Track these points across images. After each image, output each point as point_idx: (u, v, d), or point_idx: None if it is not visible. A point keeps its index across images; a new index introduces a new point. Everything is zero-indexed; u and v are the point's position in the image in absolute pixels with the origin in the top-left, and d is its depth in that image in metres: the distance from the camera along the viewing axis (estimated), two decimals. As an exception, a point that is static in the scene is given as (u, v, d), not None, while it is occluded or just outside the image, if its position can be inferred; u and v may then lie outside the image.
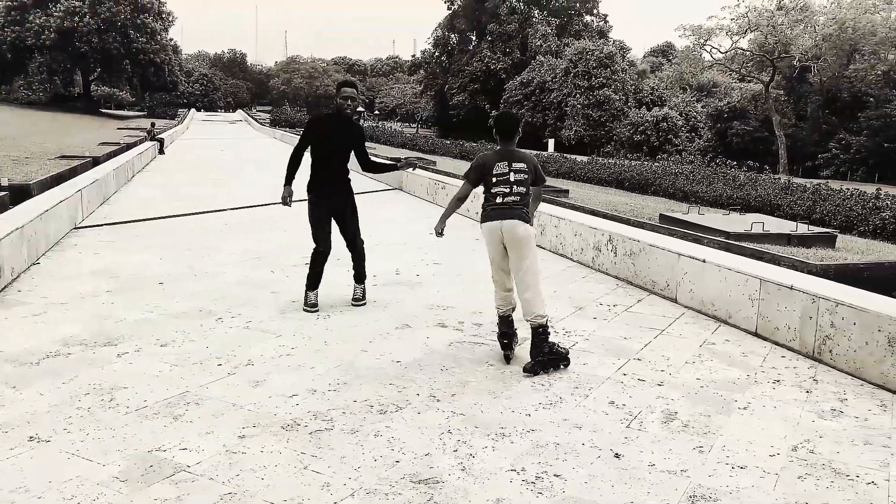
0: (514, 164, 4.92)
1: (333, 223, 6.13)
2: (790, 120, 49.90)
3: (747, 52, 51.89)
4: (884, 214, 15.20)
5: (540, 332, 4.76)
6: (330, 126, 5.98)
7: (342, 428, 3.79)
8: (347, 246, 6.22)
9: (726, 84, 59.84)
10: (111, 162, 17.24)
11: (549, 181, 22.27)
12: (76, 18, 59.71)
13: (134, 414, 3.91)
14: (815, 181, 23.61)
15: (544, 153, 36.46)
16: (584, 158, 32.96)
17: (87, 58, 63.86)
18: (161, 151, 27.16)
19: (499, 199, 4.89)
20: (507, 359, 4.95)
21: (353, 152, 6.14)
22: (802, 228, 10.64)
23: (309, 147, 6.01)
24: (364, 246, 6.30)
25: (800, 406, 4.30)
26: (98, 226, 10.27)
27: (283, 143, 39.68)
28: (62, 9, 59.62)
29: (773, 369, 4.95)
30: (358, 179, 6.17)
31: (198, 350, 4.98)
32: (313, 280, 6.10)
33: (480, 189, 5.20)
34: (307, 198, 6.07)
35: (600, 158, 34.67)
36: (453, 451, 3.56)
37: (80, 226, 10.11)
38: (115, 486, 3.15)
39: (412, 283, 7.22)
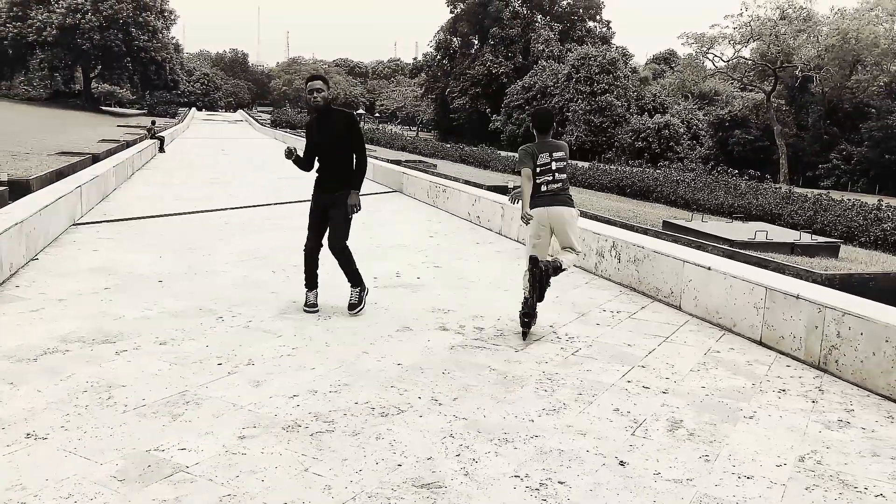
0: (554, 154, 5.60)
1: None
2: (791, 129, 49.91)
3: (749, 61, 51.91)
4: (885, 226, 15.17)
5: (558, 267, 5.60)
6: (312, 124, 5.99)
7: (343, 430, 3.74)
8: (329, 247, 5.93)
9: (728, 92, 59.87)
10: (111, 159, 17.19)
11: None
12: (78, 15, 59.73)
13: (132, 413, 3.85)
14: (816, 191, 23.60)
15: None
16: (585, 164, 32.92)
17: (89, 55, 63.87)
18: (161, 150, 27.11)
19: (543, 188, 5.58)
20: (525, 336, 5.49)
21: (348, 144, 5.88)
22: (806, 238, 10.60)
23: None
24: (345, 251, 5.92)
25: (806, 416, 4.25)
26: (97, 222, 10.21)
27: (283, 144, 39.64)
28: (64, 5, 59.65)
29: (778, 378, 4.90)
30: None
31: (197, 349, 4.93)
32: (308, 278, 6.03)
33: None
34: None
35: (601, 164, 34.64)
36: (456, 456, 3.51)
37: (79, 222, 10.05)
38: (113, 486, 3.09)
39: (413, 285, 7.17)
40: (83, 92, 71.34)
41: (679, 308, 6.62)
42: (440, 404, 4.15)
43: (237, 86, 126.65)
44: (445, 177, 17.70)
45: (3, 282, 6.43)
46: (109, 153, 19.68)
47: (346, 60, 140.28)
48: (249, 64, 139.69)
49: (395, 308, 6.21)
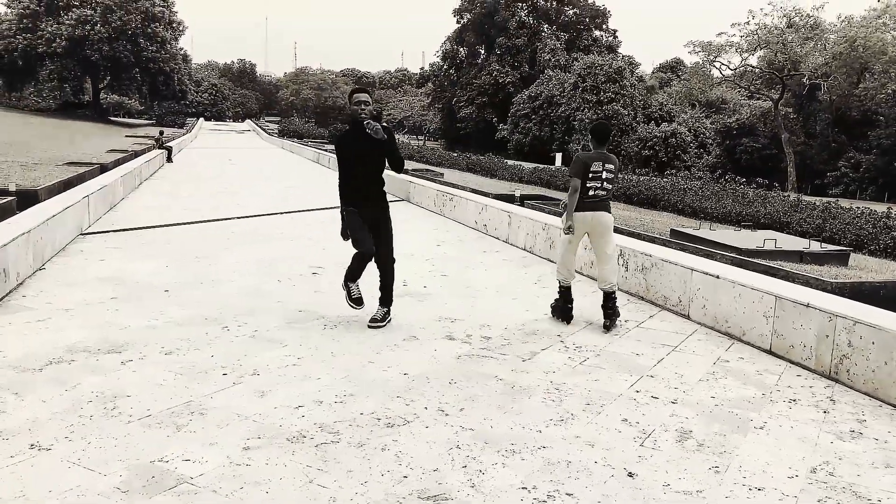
0: (606, 165, 6.07)
1: None
2: (799, 137, 49.77)
3: (757, 69, 51.83)
4: (895, 234, 15.06)
5: (612, 296, 6.07)
6: (353, 139, 5.77)
7: (349, 441, 3.71)
8: (378, 261, 5.91)
9: (735, 101, 59.80)
10: (119, 169, 17.25)
11: (558, 194, 22.19)
12: (87, 27, 60.17)
13: (137, 423, 3.83)
14: (825, 199, 23.48)
15: (552, 167, 36.36)
16: (592, 173, 32.87)
17: (98, 66, 64.30)
18: (169, 160, 27.21)
19: (591, 193, 6.06)
20: (569, 321, 6.22)
21: (385, 158, 5.86)
22: (815, 246, 10.53)
23: (343, 166, 5.86)
24: (394, 261, 6.00)
25: (817, 427, 4.19)
26: (104, 232, 10.23)
27: (291, 154, 39.76)
28: (73, 17, 60.11)
29: (788, 388, 4.85)
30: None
31: (203, 359, 4.91)
32: (356, 273, 5.83)
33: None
34: (342, 212, 5.89)
35: (608, 173, 34.57)
36: (462, 468, 3.47)
37: (86, 232, 10.07)
38: (116, 497, 3.07)
39: (420, 294, 7.14)
40: (92, 103, 71.78)
41: (687, 317, 6.57)
42: (447, 415, 4.12)
43: (245, 96, 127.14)
44: (452, 185, 17.69)
45: (11, 291, 6.44)
46: (117, 163, 19.77)
47: (353, 70, 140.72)
48: (257, 74, 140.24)
49: (401, 317, 6.17)
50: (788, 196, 24.46)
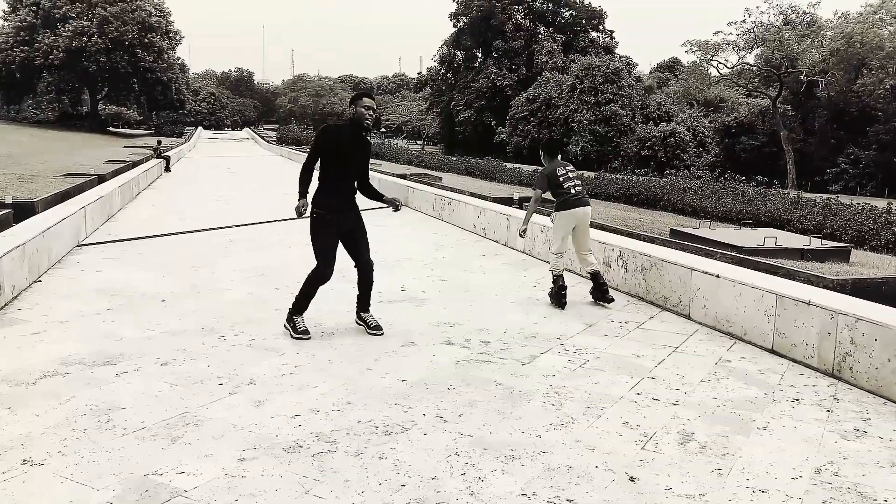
0: (568, 168, 7.07)
1: (340, 246, 5.76)
2: (798, 134, 49.70)
3: (754, 68, 51.79)
4: (896, 229, 15.02)
5: (599, 276, 6.92)
6: (347, 137, 5.61)
7: (346, 450, 3.66)
8: (359, 267, 5.78)
9: (733, 99, 59.77)
10: (116, 179, 17.22)
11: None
12: (84, 38, 60.19)
13: (131, 436, 3.78)
14: (825, 196, 23.42)
15: (551, 169, 36.43)
16: (592, 174, 32.83)
17: (95, 77, 64.31)
18: (167, 169, 27.19)
19: (573, 191, 6.87)
20: (564, 306, 6.79)
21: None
22: (816, 243, 10.47)
23: (319, 160, 5.63)
24: (373, 266, 5.88)
25: (821, 426, 4.14)
26: (102, 243, 10.19)
27: (289, 161, 39.75)
28: (70, 29, 60.13)
29: (791, 387, 4.79)
30: (361, 195, 5.97)
31: (199, 369, 4.86)
32: (303, 304, 5.71)
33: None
34: (313, 213, 5.66)
35: (608, 174, 34.54)
36: (461, 475, 3.42)
37: (83, 243, 10.03)
38: (109, 513, 3.02)
39: (418, 299, 7.09)
40: (90, 114, 71.80)
41: (688, 317, 6.52)
42: (445, 421, 4.06)
43: (243, 104, 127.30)
44: (451, 189, 17.64)
45: (6, 304, 6.39)
46: (115, 174, 19.72)
47: (350, 76, 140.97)
48: (255, 82, 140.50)
49: (399, 323, 6.12)
50: (788, 193, 24.41)
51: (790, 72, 48.01)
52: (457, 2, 72.25)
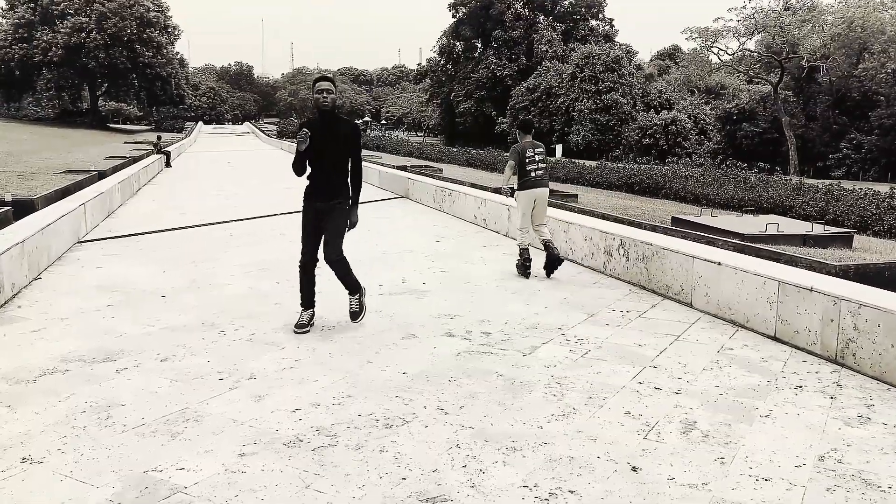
0: (537, 150, 7.91)
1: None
2: (800, 120, 49.52)
3: (755, 54, 51.55)
4: (899, 214, 14.94)
5: (550, 244, 7.75)
6: (316, 126, 5.56)
7: (346, 444, 3.64)
8: (324, 258, 5.67)
9: (734, 86, 59.51)
10: (116, 175, 17.20)
11: (557, 186, 22.08)
12: (83, 34, 60.09)
13: (131, 432, 3.76)
14: (827, 181, 23.34)
15: (552, 159, 36.20)
16: (593, 163, 32.74)
17: (95, 73, 64.23)
18: (168, 164, 27.16)
19: (532, 174, 7.82)
20: (528, 275, 7.74)
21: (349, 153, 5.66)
22: (818, 229, 10.43)
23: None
24: (342, 260, 5.66)
25: (824, 413, 4.11)
26: (101, 239, 10.17)
27: (290, 155, 39.67)
28: (69, 25, 60.02)
29: (794, 374, 4.77)
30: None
31: (199, 364, 4.84)
32: (306, 297, 5.72)
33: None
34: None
35: (609, 163, 34.44)
36: (462, 467, 3.40)
37: (83, 240, 10.02)
38: (108, 510, 3.00)
39: (419, 291, 7.06)
40: (90, 110, 71.75)
41: (690, 305, 6.49)
42: (446, 413, 4.05)
43: (243, 98, 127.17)
44: (451, 181, 17.60)
45: (6, 302, 6.38)
46: (115, 170, 19.71)
47: (350, 69, 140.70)
48: (255, 76, 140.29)
49: (400, 315, 6.10)
50: (790, 179, 24.32)
51: (791, 57, 47.79)
52: (455, -8, 72.01)
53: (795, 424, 3.95)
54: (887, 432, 3.86)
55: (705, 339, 5.56)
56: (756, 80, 54.64)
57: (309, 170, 5.68)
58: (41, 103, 70.56)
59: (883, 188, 19.42)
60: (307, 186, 5.72)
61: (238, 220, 12.33)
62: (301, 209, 5.77)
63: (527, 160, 7.78)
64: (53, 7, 60.90)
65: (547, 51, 64.95)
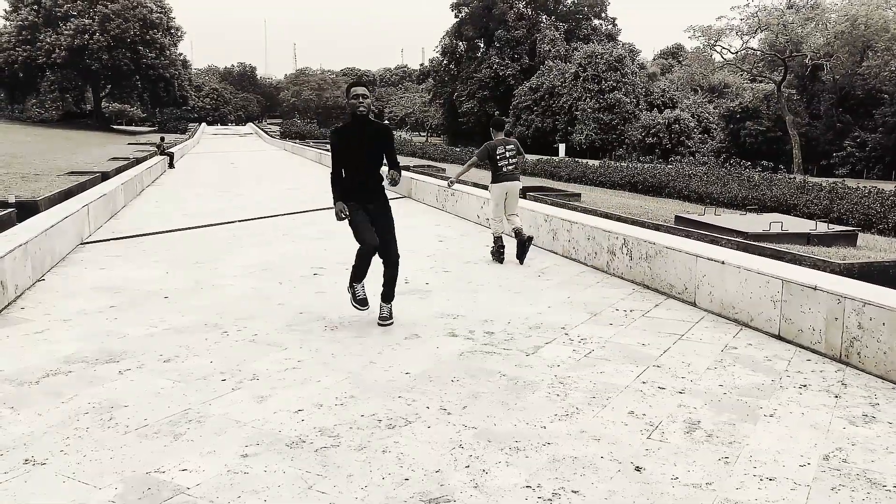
0: (507, 147, 8.55)
1: None
2: (803, 119, 49.42)
3: (758, 52, 51.49)
4: (903, 211, 14.91)
5: (521, 232, 8.36)
6: (353, 133, 5.64)
7: (349, 444, 3.63)
8: (382, 256, 5.77)
9: (738, 84, 59.41)
10: (120, 177, 17.23)
11: (561, 185, 22.05)
12: (86, 36, 60.26)
13: (133, 433, 3.76)
14: (831, 180, 23.30)
15: (555, 158, 36.19)
16: (596, 162, 32.72)
17: (98, 75, 64.42)
18: (171, 165, 27.21)
19: (504, 169, 8.52)
20: (501, 261, 8.45)
21: (384, 155, 5.78)
22: (822, 227, 10.40)
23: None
24: (399, 257, 5.85)
25: (829, 412, 4.09)
26: (105, 240, 10.19)
27: (293, 155, 39.74)
28: (72, 27, 60.20)
29: (798, 373, 4.75)
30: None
31: (202, 365, 4.84)
32: (360, 273, 5.72)
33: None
34: (337, 201, 5.65)
35: (612, 162, 34.41)
36: (465, 468, 3.39)
37: (87, 241, 10.03)
38: (111, 512, 3.00)
39: (421, 291, 7.06)
40: (94, 112, 71.96)
41: (694, 304, 6.47)
42: (449, 413, 4.03)
43: (246, 99, 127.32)
44: (454, 181, 17.57)
45: (9, 304, 6.39)
46: (119, 171, 19.74)
47: (353, 69, 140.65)
48: (258, 77, 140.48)
49: (403, 315, 6.09)
50: (794, 178, 24.27)
51: (794, 56, 47.71)
52: (458, -8, 72.07)
53: (800, 424, 3.93)
54: (892, 431, 3.84)
55: (709, 338, 5.54)
56: (759, 79, 54.55)
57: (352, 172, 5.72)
58: (45, 105, 70.71)
59: (887, 186, 19.38)
60: (343, 190, 5.68)
61: (241, 221, 12.34)
62: (335, 209, 5.65)
63: (498, 156, 8.46)
64: (57, 9, 61.08)
65: (550, 50, 64.92)
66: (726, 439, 3.72)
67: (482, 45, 72.43)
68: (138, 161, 24.69)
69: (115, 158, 25.99)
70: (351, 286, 5.81)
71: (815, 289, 5.16)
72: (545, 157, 35.02)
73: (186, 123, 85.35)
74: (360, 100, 5.59)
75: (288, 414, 4.01)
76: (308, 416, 3.99)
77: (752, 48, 51.48)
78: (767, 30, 48.27)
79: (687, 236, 8.42)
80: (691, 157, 37.14)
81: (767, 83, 52.28)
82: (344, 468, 3.38)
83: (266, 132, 74.08)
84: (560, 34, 67.07)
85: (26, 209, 10.44)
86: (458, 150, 42.73)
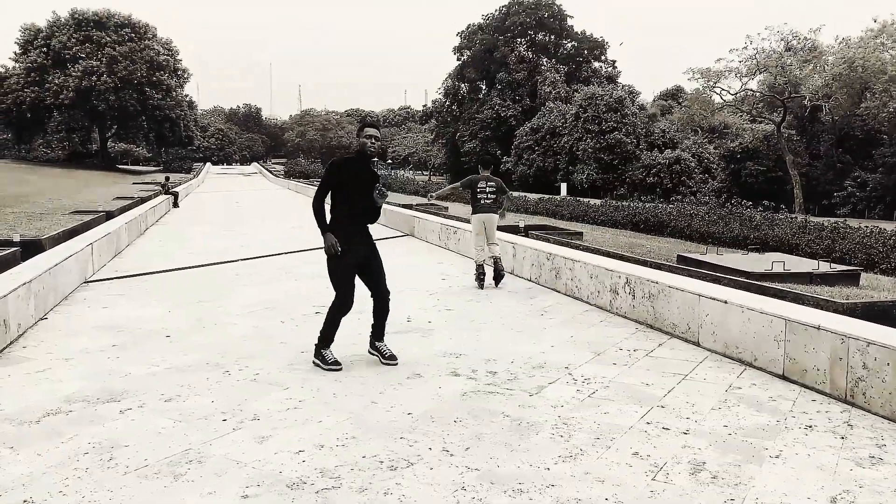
0: (489, 184, 9.70)
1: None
2: (804, 159, 49.68)
3: (757, 94, 51.96)
4: (906, 251, 14.88)
5: (498, 261, 9.55)
6: (355, 168, 5.68)
7: (350, 486, 3.59)
8: (374, 295, 5.82)
9: (738, 125, 59.85)
10: (124, 216, 17.32)
11: (563, 224, 22.10)
12: (94, 77, 61.09)
13: (133, 474, 3.73)
14: (833, 219, 23.31)
15: (557, 197, 36.30)
16: (598, 201, 32.82)
17: (105, 115, 65.14)
18: (175, 205, 27.36)
19: (482, 201, 9.63)
20: (482, 286, 9.45)
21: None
22: (825, 267, 10.38)
23: (330, 192, 5.70)
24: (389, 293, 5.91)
25: (835, 453, 4.05)
26: (108, 279, 10.20)
27: (297, 195, 39.97)
28: (80, 69, 61.05)
29: (804, 414, 4.71)
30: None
31: (203, 405, 4.81)
32: (329, 335, 5.75)
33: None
34: (326, 233, 5.66)
35: (614, 201, 34.53)
36: (468, 510, 3.35)
37: (90, 279, 10.05)
38: (109, 554, 2.96)
39: (424, 329, 7.04)
40: (100, 151, 72.61)
41: (697, 344, 6.44)
42: (451, 455, 4.00)
43: (251, 139, 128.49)
44: (456, 219, 17.65)
45: (11, 342, 6.38)
46: (123, 210, 19.85)
47: (357, 110, 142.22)
48: (263, 117, 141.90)
49: (405, 354, 6.07)
50: (796, 218, 24.31)
51: (793, 97, 48.14)
52: (460, 36, 73.17)
53: (806, 465, 3.89)
54: (900, 473, 3.79)
55: (713, 378, 5.51)
56: (759, 120, 54.96)
57: (331, 209, 5.75)
58: (51, 145, 71.41)
59: (889, 226, 19.40)
60: (339, 230, 5.67)
61: (244, 260, 12.37)
62: (326, 250, 5.68)
63: (478, 190, 9.61)
64: (66, 52, 62.02)
65: (550, 92, 65.61)
66: (732, 481, 3.68)
67: (484, 87, 73.26)
68: (143, 200, 24.85)
69: (119, 198, 26.15)
70: (318, 353, 5.74)
71: (818, 328, 5.15)
72: (547, 196, 35.14)
73: (191, 163, 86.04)
74: (373, 140, 5.70)
75: (289, 455, 3.98)
76: (309, 456, 3.96)
77: (751, 89, 51.97)
78: (766, 72, 48.78)
79: (689, 276, 8.42)
80: (692, 197, 37.26)
81: (767, 124, 52.66)
82: (345, 510, 3.34)
83: (270, 171, 74.63)
84: (561, 76, 67.86)
85: (31, 247, 10.48)
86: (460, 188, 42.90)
